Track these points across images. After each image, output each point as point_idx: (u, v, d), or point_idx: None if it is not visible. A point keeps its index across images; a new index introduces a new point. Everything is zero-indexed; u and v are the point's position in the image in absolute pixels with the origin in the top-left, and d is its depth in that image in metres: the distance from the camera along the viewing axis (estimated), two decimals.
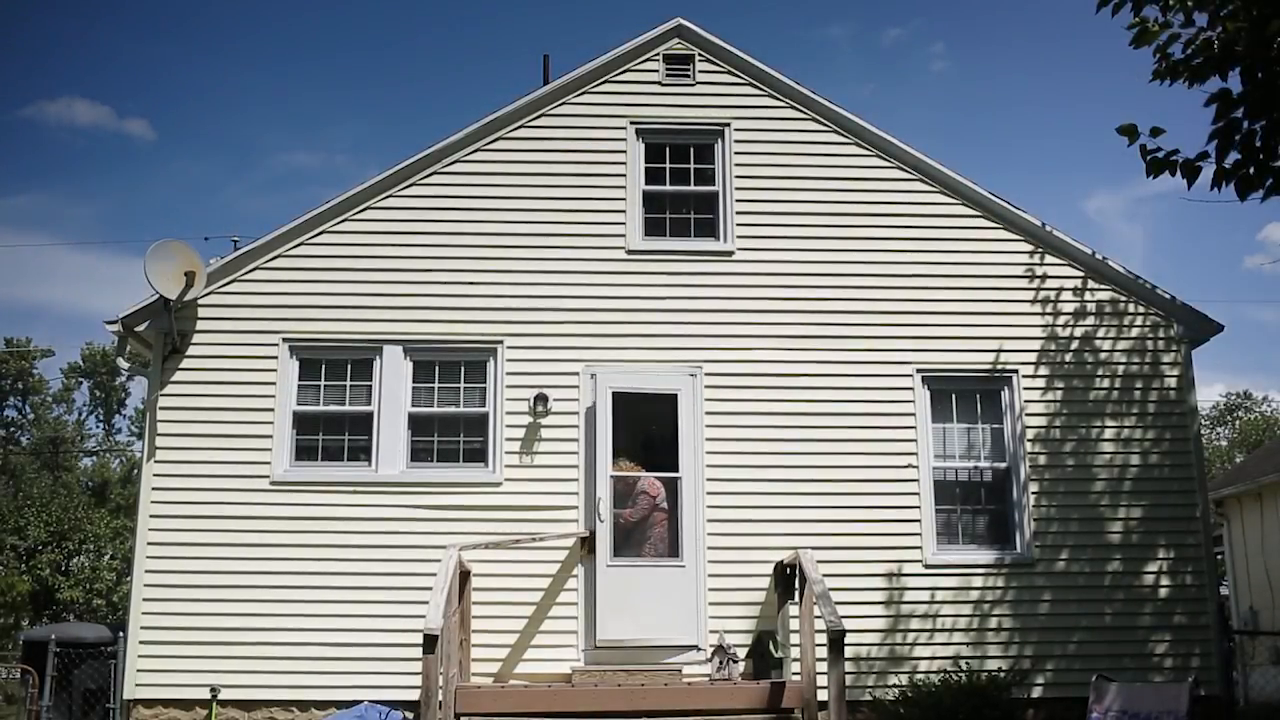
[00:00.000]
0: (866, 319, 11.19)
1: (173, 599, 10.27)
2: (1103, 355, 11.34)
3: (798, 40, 72.13)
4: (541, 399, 10.72)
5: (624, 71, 11.66)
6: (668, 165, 11.55)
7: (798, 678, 9.32)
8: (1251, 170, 7.51)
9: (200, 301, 10.82)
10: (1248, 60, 7.39)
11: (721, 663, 9.71)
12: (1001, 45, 75.22)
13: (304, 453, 10.78)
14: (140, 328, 10.68)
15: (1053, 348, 11.30)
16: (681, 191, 11.50)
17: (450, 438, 10.88)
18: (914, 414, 11.04)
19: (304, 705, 10.15)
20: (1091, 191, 76.95)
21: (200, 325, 10.85)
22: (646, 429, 11.07)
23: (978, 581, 10.77)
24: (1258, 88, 7.40)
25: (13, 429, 49.82)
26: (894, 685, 10.25)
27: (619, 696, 8.78)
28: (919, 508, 10.85)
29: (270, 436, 10.67)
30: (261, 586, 10.32)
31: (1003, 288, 11.39)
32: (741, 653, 10.13)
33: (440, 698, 8.26)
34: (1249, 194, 7.55)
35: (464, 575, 9.82)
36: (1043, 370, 11.24)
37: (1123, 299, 11.46)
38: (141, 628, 10.23)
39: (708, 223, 11.46)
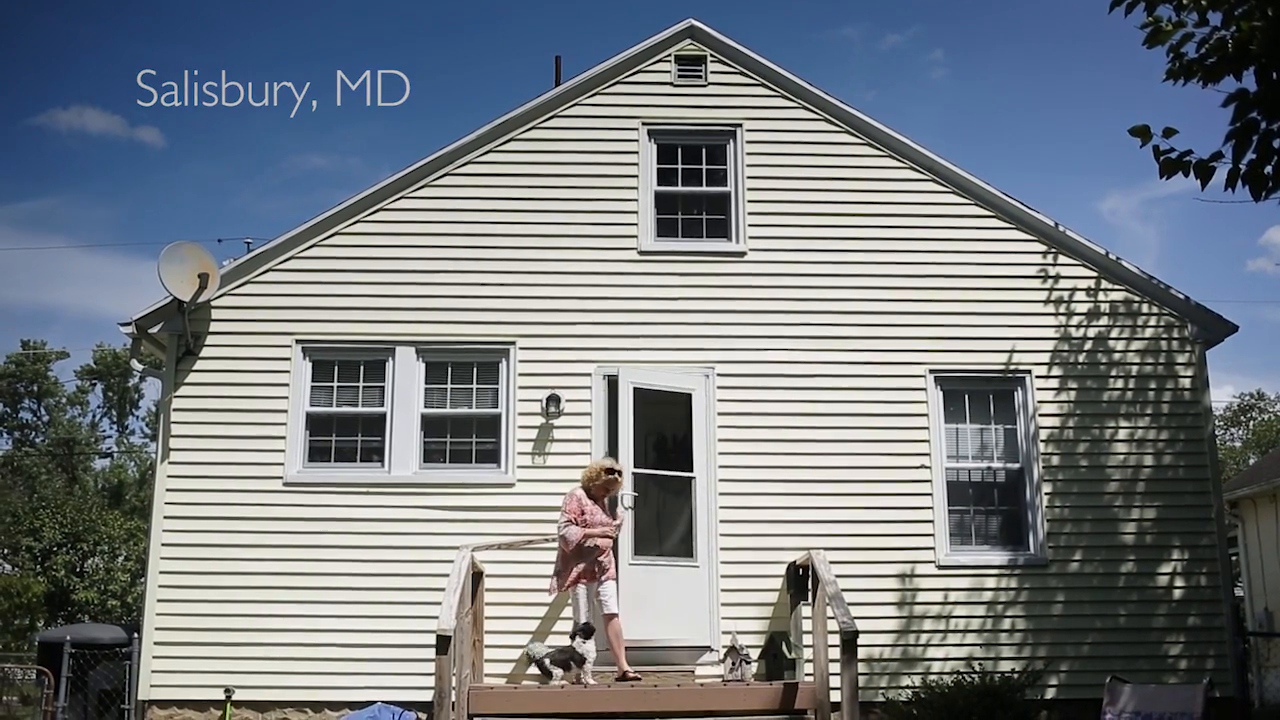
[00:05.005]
0: (879, 319, 11.18)
1: (187, 600, 10.32)
2: (1116, 356, 11.31)
3: (809, 42, 72.08)
4: (554, 400, 10.72)
5: (636, 72, 11.67)
6: (680, 166, 11.55)
7: (810, 679, 9.30)
8: (1268, 170, 7.48)
9: (214, 303, 10.86)
10: (1262, 60, 7.36)
11: (734, 664, 9.69)
12: (1002, 51, 74.96)
13: (317, 454, 10.81)
14: (154, 329, 10.73)
15: (1066, 348, 11.27)
16: (693, 192, 11.51)
17: (463, 439, 10.90)
18: (927, 415, 11.02)
19: (317, 706, 10.18)
20: (1105, 192, 76.73)
21: (214, 327, 10.89)
22: (659, 429, 11.07)
23: (991, 582, 10.74)
24: (1272, 88, 7.37)
25: (28, 431, 50.05)
26: (907, 686, 10.24)
27: (632, 697, 8.77)
28: (932, 509, 10.83)
29: (283, 438, 10.71)
30: (275, 588, 10.35)
31: (1016, 288, 11.37)
32: (754, 653, 10.11)
33: (453, 698, 8.27)
34: (1264, 195, 7.52)
35: (477, 576, 9.83)
36: (1056, 371, 11.21)
37: (1136, 299, 11.42)
38: (156, 629, 10.28)
39: (720, 223, 11.46)
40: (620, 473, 9.83)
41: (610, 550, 9.64)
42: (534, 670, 9.51)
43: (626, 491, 10.21)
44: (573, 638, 9.24)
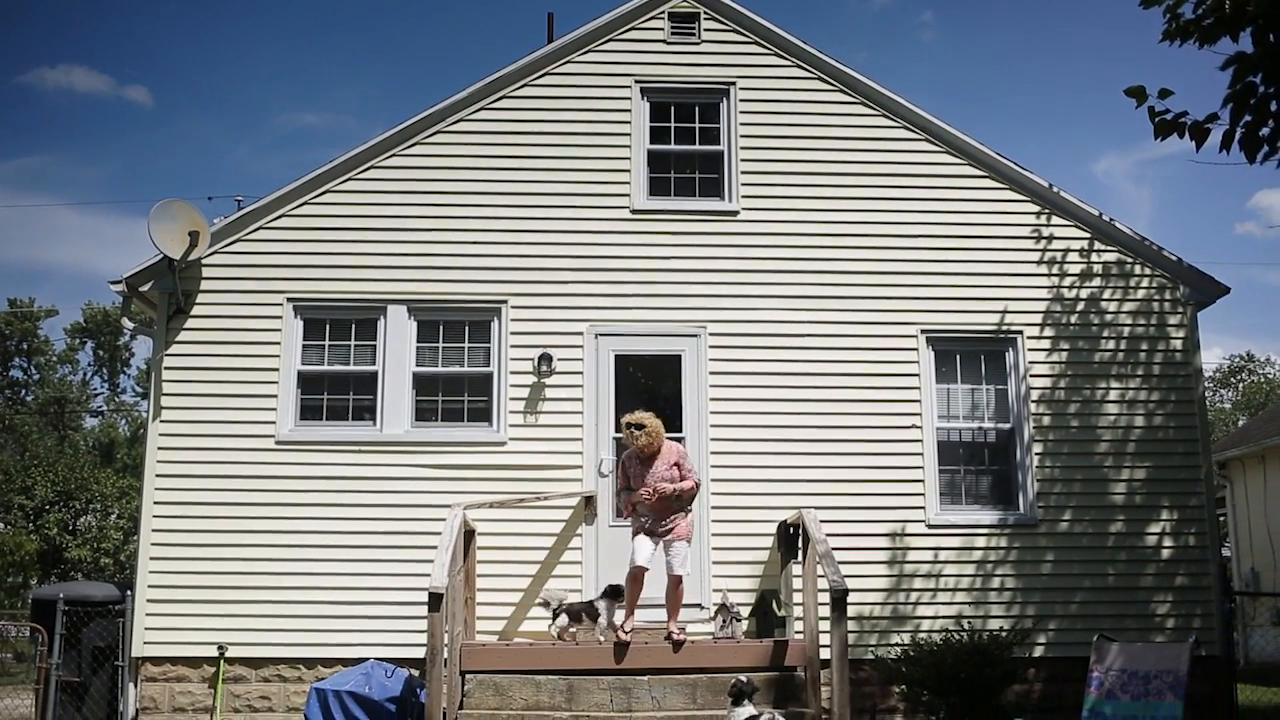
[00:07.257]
0: (871, 279, 11.16)
1: (180, 558, 10.34)
2: (1108, 317, 11.32)
3: (802, 0, 71.46)
4: (545, 359, 10.72)
5: (629, 30, 11.56)
6: (673, 124, 11.48)
7: (800, 636, 9.37)
8: (1264, 133, 7.44)
9: (204, 261, 10.81)
10: (1260, 21, 7.31)
11: (725, 621, 9.76)
12: (993, 13, 74.69)
13: (309, 412, 10.80)
14: (145, 288, 10.67)
15: (1058, 309, 11.27)
16: (686, 151, 11.45)
17: (455, 397, 10.90)
18: (918, 374, 11.04)
19: (310, 663, 10.24)
20: (1100, 153, 76.52)
21: (204, 285, 10.84)
22: (650, 389, 11.06)
23: (980, 542, 10.80)
24: (1269, 50, 7.32)
25: (18, 389, 49.96)
26: (896, 644, 10.32)
27: (623, 655, 8.84)
28: (922, 468, 10.87)
29: (275, 396, 10.69)
30: (267, 545, 10.38)
31: (1008, 248, 11.35)
32: (745, 611, 10.19)
33: (445, 655, 8.31)
34: (1258, 157, 7.49)
35: (469, 534, 9.86)
36: (1048, 331, 11.22)
37: (1129, 260, 11.41)
38: (149, 586, 10.30)
39: (713, 182, 11.41)
40: (639, 424, 9.14)
41: (672, 511, 9.05)
42: (545, 615, 9.69)
43: (605, 457, 10.44)
44: (600, 596, 9.36)
